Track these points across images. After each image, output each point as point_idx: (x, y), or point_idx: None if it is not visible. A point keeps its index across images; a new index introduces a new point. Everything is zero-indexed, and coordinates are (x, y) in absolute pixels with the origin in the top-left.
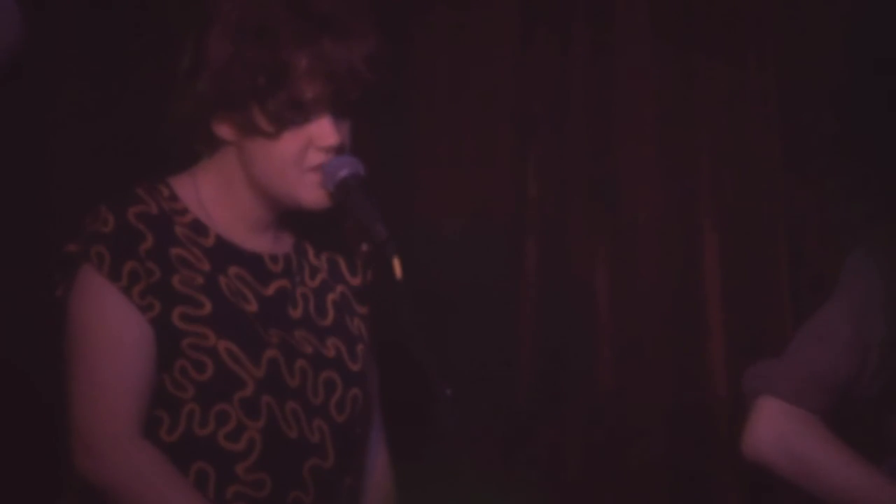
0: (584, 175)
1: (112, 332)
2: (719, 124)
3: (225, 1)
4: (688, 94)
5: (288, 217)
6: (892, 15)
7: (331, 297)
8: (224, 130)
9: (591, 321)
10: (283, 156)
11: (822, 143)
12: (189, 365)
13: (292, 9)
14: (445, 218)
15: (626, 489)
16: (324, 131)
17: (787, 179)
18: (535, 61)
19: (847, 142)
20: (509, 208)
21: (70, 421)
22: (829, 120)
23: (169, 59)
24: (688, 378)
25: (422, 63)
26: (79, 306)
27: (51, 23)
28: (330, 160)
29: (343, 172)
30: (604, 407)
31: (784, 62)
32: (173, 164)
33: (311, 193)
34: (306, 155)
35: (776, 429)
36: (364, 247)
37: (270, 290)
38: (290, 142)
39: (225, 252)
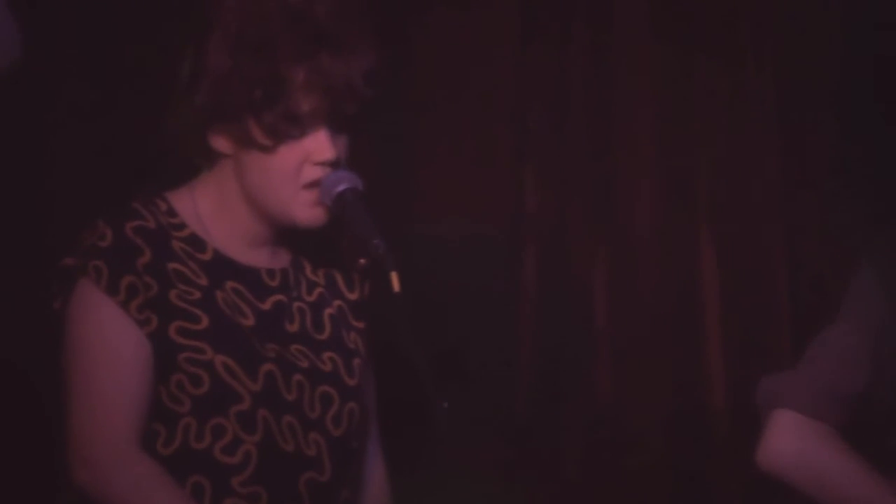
0: (583, 178)
1: (110, 345)
2: (718, 127)
3: (225, 13)
4: (687, 96)
5: (285, 232)
6: (892, 15)
7: (328, 311)
8: (221, 143)
9: (590, 325)
10: (278, 170)
11: (821, 145)
12: (186, 379)
13: (291, 23)
14: (444, 221)
15: (624, 493)
16: (320, 145)
17: (785, 183)
18: (534, 62)
19: (846, 143)
20: (508, 212)
21: (68, 433)
22: (828, 122)
23: (168, 60)
24: (686, 383)
25: (421, 64)
26: (77, 320)
27: (50, 24)
28: (328, 175)
29: (341, 187)
30: (603, 411)
31: (782, 63)
32: (172, 177)
33: (305, 212)
34: (302, 170)
35: (793, 441)
36: (362, 261)
37: (267, 305)
38: (287, 156)
39: (222, 267)
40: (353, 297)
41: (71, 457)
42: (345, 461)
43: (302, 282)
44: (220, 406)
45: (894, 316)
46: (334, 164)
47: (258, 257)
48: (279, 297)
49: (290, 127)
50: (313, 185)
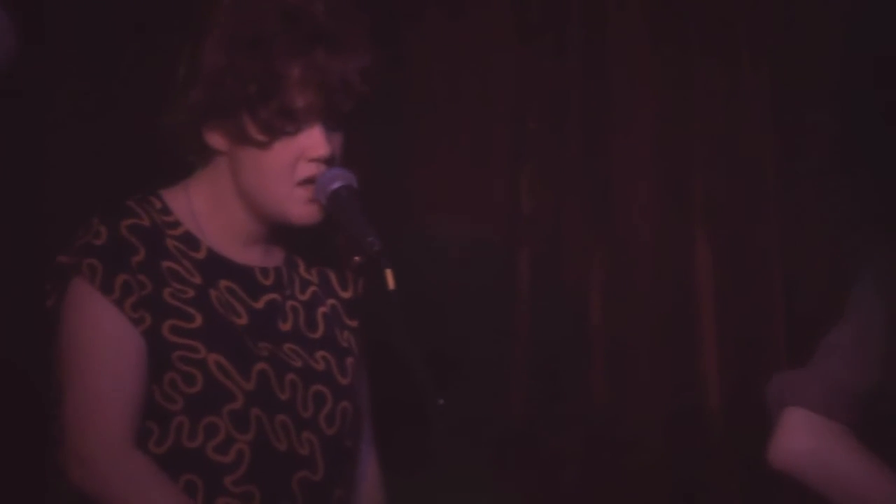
0: (579, 179)
1: (105, 343)
2: (714, 128)
3: (221, 11)
4: (683, 96)
5: (279, 230)
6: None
7: (321, 310)
8: (216, 140)
9: (586, 326)
10: (273, 166)
11: (818, 145)
12: (179, 377)
13: (287, 20)
14: (440, 221)
15: (622, 494)
16: (315, 142)
17: (782, 184)
18: (530, 63)
19: (846, 143)
20: (504, 212)
21: (62, 430)
22: (825, 122)
23: (166, 59)
24: (682, 383)
25: (417, 65)
26: (71, 318)
27: (48, 23)
28: (323, 172)
29: (336, 184)
30: (598, 415)
31: (779, 63)
32: (167, 174)
33: (300, 209)
34: (297, 166)
35: (806, 440)
36: (357, 259)
37: (260, 304)
38: (281, 152)
39: (216, 265)
40: (346, 295)
41: (66, 454)
42: (338, 460)
43: (295, 280)
44: (213, 405)
45: None
46: (329, 161)
47: (252, 256)
48: (273, 295)
49: (284, 123)
50: (308, 181)
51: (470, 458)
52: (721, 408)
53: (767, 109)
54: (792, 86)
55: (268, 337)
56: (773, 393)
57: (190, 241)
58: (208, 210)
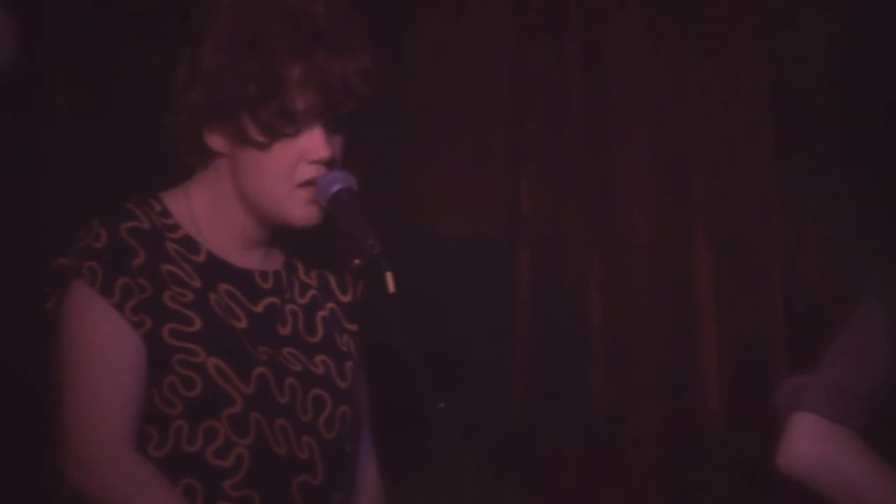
0: (578, 180)
1: (105, 346)
2: (713, 129)
3: (221, 12)
4: (682, 97)
5: (279, 234)
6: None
7: (320, 314)
8: (216, 141)
9: (585, 327)
10: (273, 168)
11: (818, 146)
12: (178, 381)
13: (288, 21)
14: (439, 223)
15: (620, 494)
16: (315, 144)
17: (780, 186)
18: (529, 65)
19: (844, 144)
20: (504, 213)
21: (63, 432)
22: (825, 122)
23: (166, 62)
24: (681, 384)
25: (417, 66)
26: (72, 321)
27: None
28: (323, 175)
29: (336, 187)
30: (597, 417)
31: (778, 63)
32: (167, 177)
33: (299, 210)
34: (297, 169)
35: (813, 444)
36: (357, 261)
37: (260, 307)
38: (281, 154)
39: (215, 269)
40: (345, 299)
41: (65, 457)
42: (337, 464)
43: (295, 284)
44: (212, 409)
45: None
46: (329, 164)
47: (251, 259)
48: (272, 299)
49: (285, 124)
50: (308, 183)
51: (470, 458)
52: (720, 408)
53: (766, 110)
54: (791, 86)
55: (267, 341)
56: (781, 398)
57: (190, 244)
58: (208, 213)
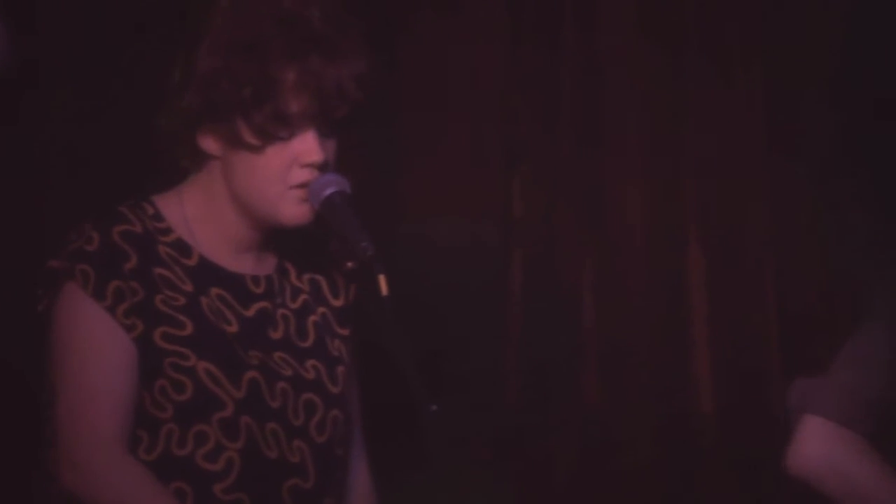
0: (571, 181)
1: (98, 349)
2: (706, 129)
3: (217, 15)
4: (675, 97)
5: (272, 238)
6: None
7: (312, 318)
8: (209, 144)
9: (578, 328)
10: (266, 171)
11: (811, 146)
12: (168, 385)
13: (283, 25)
14: (432, 224)
15: (613, 496)
16: (308, 147)
17: (774, 187)
18: (523, 65)
19: (839, 145)
20: (496, 215)
21: (55, 434)
22: (819, 123)
23: (162, 64)
24: (674, 388)
25: (410, 67)
26: (64, 323)
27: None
28: (316, 178)
29: (329, 190)
30: (590, 419)
31: (771, 63)
32: (161, 179)
33: (291, 209)
34: (290, 172)
35: (822, 448)
36: (349, 264)
37: (251, 312)
38: (274, 157)
39: (207, 273)
40: (337, 303)
41: (58, 459)
42: (329, 468)
43: (286, 288)
44: (202, 413)
45: None
46: (322, 168)
47: (244, 263)
48: (263, 304)
49: (278, 127)
50: (301, 186)
51: (463, 461)
52: (713, 410)
53: (760, 110)
54: (785, 86)
55: (258, 345)
56: (793, 399)
57: (182, 248)
58: (201, 215)
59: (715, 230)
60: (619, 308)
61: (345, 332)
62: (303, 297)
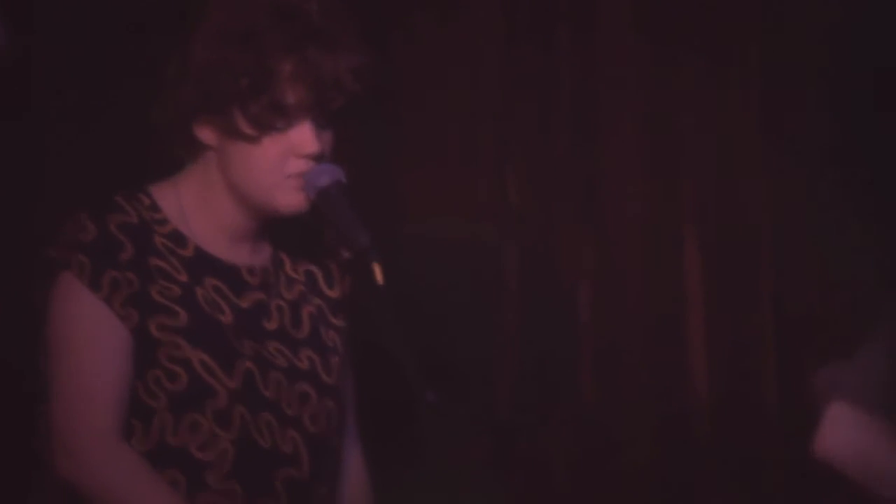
0: (567, 177)
1: (93, 338)
2: (703, 125)
3: (214, 8)
4: (671, 94)
5: (267, 228)
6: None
7: (307, 309)
8: (205, 134)
9: (574, 325)
10: (262, 161)
11: (808, 143)
12: (162, 374)
13: (280, 17)
14: (428, 220)
15: (610, 495)
16: (304, 138)
17: (771, 185)
18: (518, 62)
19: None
20: (492, 210)
21: (50, 423)
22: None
23: (158, 55)
24: (670, 385)
25: (406, 64)
26: (60, 313)
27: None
28: (311, 169)
29: (324, 180)
30: (587, 415)
31: (767, 60)
32: (157, 170)
33: (287, 198)
34: (286, 162)
35: (849, 433)
36: (345, 255)
37: (246, 303)
38: (271, 148)
39: (203, 263)
40: (332, 294)
41: (53, 447)
42: (322, 458)
43: (281, 279)
44: (196, 402)
45: None
46: (318, 158)
47: (239, 254)
48: (258, 294)
49: (275, 118)
50: (297, 176)
51: (458, 457)
52: (710, 408)
53: (757, 109)
54: (782, 84)
55: (253, 336)
56: (819, 385)
57: (177, 238)
58: (197, 206)
59: (711, 227)
60: (616, 306)
61: (339, 322)
62: (298, 287)
